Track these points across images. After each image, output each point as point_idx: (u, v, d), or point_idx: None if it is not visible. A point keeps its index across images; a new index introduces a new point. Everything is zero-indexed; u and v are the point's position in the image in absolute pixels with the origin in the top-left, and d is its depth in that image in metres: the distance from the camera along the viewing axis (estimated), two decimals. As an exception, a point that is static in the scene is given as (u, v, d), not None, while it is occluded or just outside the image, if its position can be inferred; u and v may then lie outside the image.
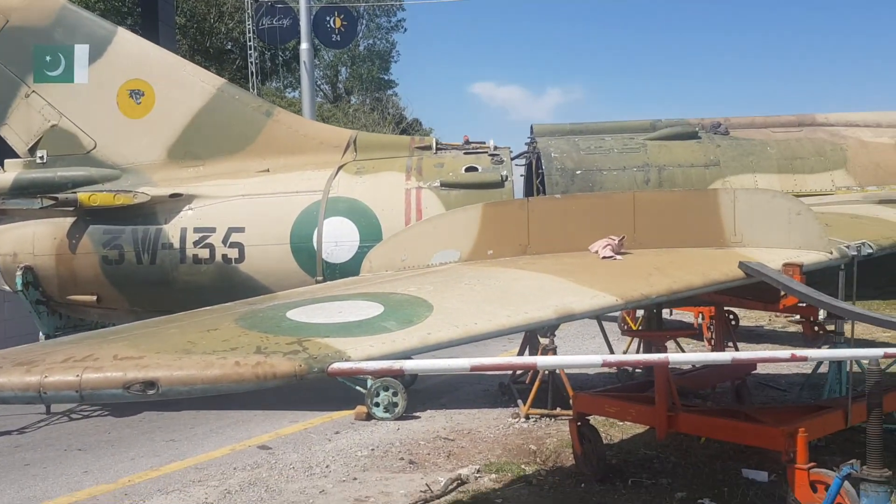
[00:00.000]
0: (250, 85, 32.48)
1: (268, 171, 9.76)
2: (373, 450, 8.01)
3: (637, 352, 10.81)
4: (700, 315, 14.06)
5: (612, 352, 10.06)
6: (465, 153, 9.88)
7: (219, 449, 8.10)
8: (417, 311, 4.20)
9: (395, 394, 9.31)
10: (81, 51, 9.96)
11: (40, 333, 9.59)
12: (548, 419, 9.15)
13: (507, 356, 13.07)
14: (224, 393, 3.50)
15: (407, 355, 3.82)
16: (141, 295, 9.41)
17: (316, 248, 9.14)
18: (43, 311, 9.53)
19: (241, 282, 9.24)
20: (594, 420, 7.48)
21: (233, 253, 9.23)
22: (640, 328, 11.27)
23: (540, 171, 9.79)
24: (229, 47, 45.20)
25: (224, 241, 9.24)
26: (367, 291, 4.78)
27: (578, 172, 9.23)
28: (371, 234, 9.10)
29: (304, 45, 24.12)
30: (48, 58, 9.92)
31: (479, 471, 7.25)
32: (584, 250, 5.78)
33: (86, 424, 9.40)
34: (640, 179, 9.17)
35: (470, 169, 9.43)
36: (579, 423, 7.23)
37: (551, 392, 9.38)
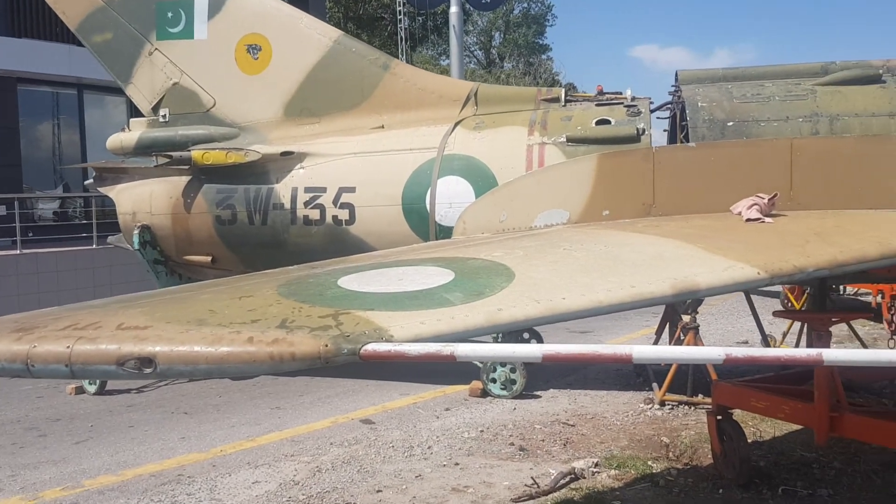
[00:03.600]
0: (399, 51, 32.27)
1: (383, 127, 9.14)
2: (482, 431, 7.27)
3: (799, 336, 9.36)
4: (880, 293, 12.15)
5: (763, 335, 8.75)
6: (598, 104, 8.79)
7: (320, 420, 7.66)
8: (493, 280, 3.36)
9: (513, 370, 8.51)
10: (201, 5, 9.72)
11: (159, 293, 9.54)
12: (686, 407, 8.06)
13: (639, 335, 11.92)
14: (233, 376, 2.84)
15: (468, 336, 2.99)
16: (254, 256, 9.10)
17: (428, 209, 8.43)
18: (161, 270, 9.45)
19: (352, 244, 8.71)
20: (739, 413, 6.36)
21: (343, 214, 8.70)
22: (804, 308, 9.80)
23: (684, 123, 8.57)
24: (381, 14, 45.42)
25: (335, 202, 8.73)
26: (443, 256, 3.97)
27: (730, 124, 7.90)
28: (488, 194, 8.28)
29: (453, 9, 23.51)
30: (169, 14, 9.76)
31: (597, 465, 6.33)
32: (724, 212, 4.68)
33: (200, 386, 9.27)
34: (806, 131, 7.71)
35: (601, 122, 8.34)
36: (719, 418, 6.14)
37: (692, 376, 8.25)
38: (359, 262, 4.41)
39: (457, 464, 6.44)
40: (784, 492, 5.82)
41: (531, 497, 5.72)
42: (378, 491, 5.88)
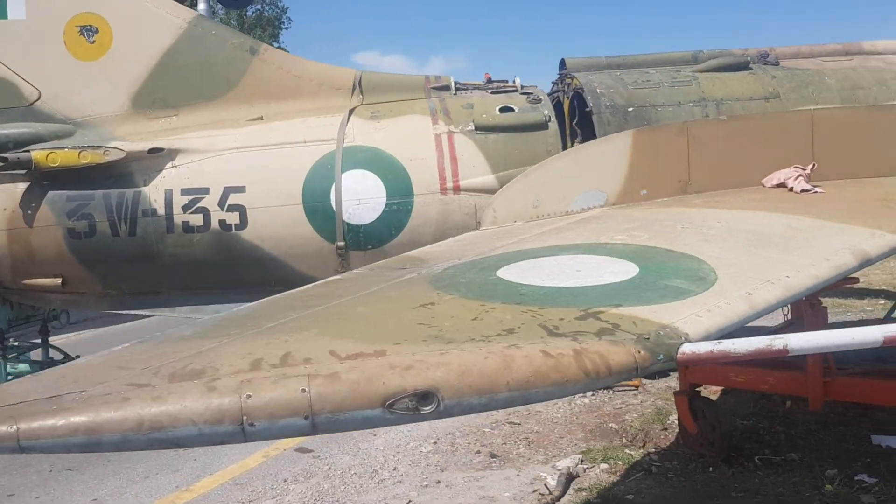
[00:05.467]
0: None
1: (261, 118, 8.16)
2: (435, 443, 6.76)
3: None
4: None
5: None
6: (492, 92, 8.56)
7: (249, 456, 6.64)
8: (690, 265, 2.99)
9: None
10: (14, -23, 8.01)
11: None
12: (606, 391, 8.12)
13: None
14: (535, 402, 2.25)
15: (740, 325, 2.61)
16: (118, 274, 7.70)
17: (334, 207, 7.66)
18: (-8, 300, 7.70)
19: (244, 252, 7.69)
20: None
21: (232, 218, 7.63)
22: None
23: (574, 110, 8.63)
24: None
25: (221, 204, 7.62)
26: (565, 244, 3.49)
27: (630, 109, 8.08)
28: (399, 188, 7.72)
29: (201, 6, 22.28)
30: (-29, -13, 7.93)
31: (581, 461, 6.13)
32: (755, 185, 4.66)
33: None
34: (698, 115, 8.09)
35: (505, 109, 8.13)
36: (691, 397, 6.20)
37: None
38: (460, 256, 3.76)
39: (438, 482, 5.92)
40: (761, 461, 6.01)
41: (548, 504, 5.37)
42: (379, 525, 5.19)
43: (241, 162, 7.75)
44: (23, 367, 8.38)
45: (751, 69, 8.68)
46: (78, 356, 8.66)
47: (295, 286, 7.94)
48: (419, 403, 2.10)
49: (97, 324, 12.15)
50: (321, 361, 2.21)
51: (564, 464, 6.03)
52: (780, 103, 8.34)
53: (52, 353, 8.86)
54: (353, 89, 8.45)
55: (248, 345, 2.49)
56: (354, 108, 8.22)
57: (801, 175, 4.48)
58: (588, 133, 8.28)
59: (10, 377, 7.85)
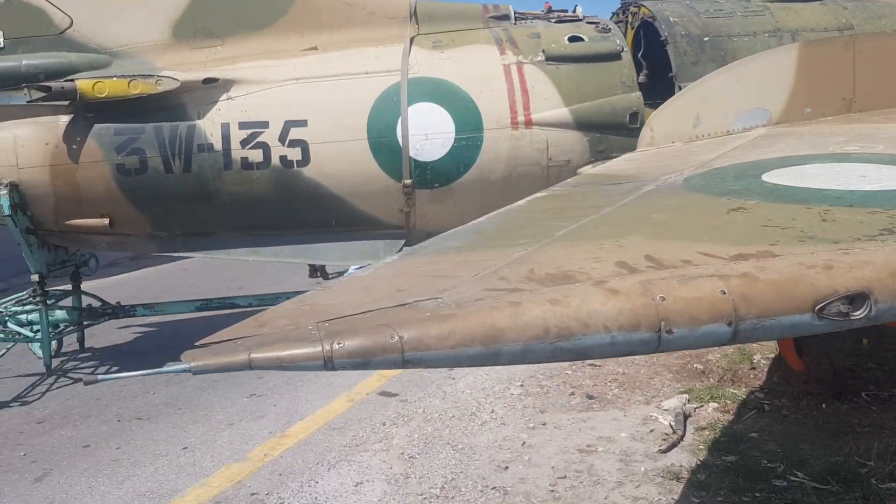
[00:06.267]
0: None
1: (315, 49, 7.65)
2: (522, 385, 6.49)
3: None
4: None
5: None
6: (556, 21, 8.14)
7: (333, 401, 6.30)
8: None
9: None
10: None
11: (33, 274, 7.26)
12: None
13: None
14: None
15: None
16: (170, 213, 7.22)
17: (401, 142, 7.25)
18: (33, 242, 7.18)
19: (306, 190, 7.25)
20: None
21: (294, 154, 7.17)
22: None
23: (639, 42, 8.28)
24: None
25: (281, 139, 7.16)
26: (804, 154, 3.17)
27: (706, 39, 7.75)
28: (469, 122, 7.32)
29: None
30: None
31: (688, 401, 5.90)
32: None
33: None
34: (774, 46, 7.75)
35: (574, 39, 7.72)
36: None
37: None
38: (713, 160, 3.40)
39: (544, 423, 5.66)
40: (869, 396, 5.85)
41: (674, 445, 5.14)
42: (506, 468, 4.91)
43: (301, 94, 7.27)
44: (60, 314, 7.91)
45: (821, 0, 8.37)
46: (118, 302, 8.21)
47: (355, 227, 7.65)
48: (850, 307, 1.80)
49: (113, 272, 11.64)
50: (705, 264, 1.87)
51: (672, 403, 5.81)
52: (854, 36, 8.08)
53: (84, 299, 8.38)
54: (409, 18, 7.97)
55: (576, 250, 2.14)
56: (413, 37, 7.75)
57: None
58: (660, 65, 7.93)
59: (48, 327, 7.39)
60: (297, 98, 7.23)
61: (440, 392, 6.38)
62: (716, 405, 5.81)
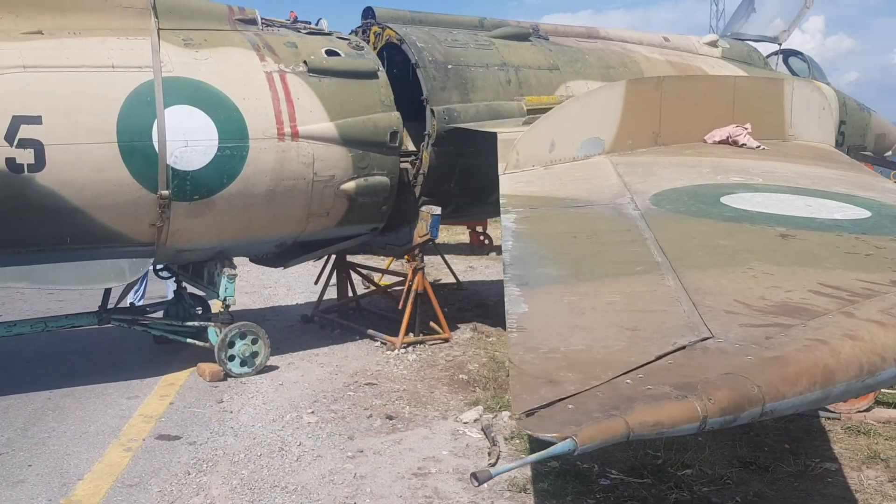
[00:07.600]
0: None
1: (41, 32, 6.43)
2: (313, 412, 6.20)
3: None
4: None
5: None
6: (307, 33, 7.92)
7: (103, 456, 5.33)
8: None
9: (254, 341, 7.22)
10: None
11: None
12: (417, 346, 8.13)
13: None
14: None
15: None
16: None
17: (157, 148, 6.43)
18: None
19: (39, 200, 6.07)
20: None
21: (25, 156, 5.96)
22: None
23: (382, 62, 8.45)
24: None
25: (9, 138, 5.88)
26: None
27: (450, 67, 8.20)
28: (233, 130, 6.80)
29: None
30: None
31: (483, 412, 6.21)
32: (698, 141, 5.25)
33: None
34: (503, 80, 8.55)
35: (332, 53, 7.61)
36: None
37: (419, 317, 8.35)
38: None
39: (361, 450, 5.48)
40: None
41: (500, 457, 5.39)
42: (358, 504, 4.68)
43: (34, 85, 6.05)
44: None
45: (531, 41, 9.36)
46: None
47: (96, 244, 6.55)
48: None
49: None
50: (887, 291, 2.03)
51: (470, 416, 6.01)
52: (560, 75, 9.15)
53: None
54: (148, 9, 7.05)
55: (729, 279, 2.13)
56: (160, 32, 6.90)
57: (748, 133, 5.13)
58: (403, 87, 8.13)
59: None
60: (28, 89, 6.01)
61: (227, 429, 5.79)
62: (509, 413, 6.18)
